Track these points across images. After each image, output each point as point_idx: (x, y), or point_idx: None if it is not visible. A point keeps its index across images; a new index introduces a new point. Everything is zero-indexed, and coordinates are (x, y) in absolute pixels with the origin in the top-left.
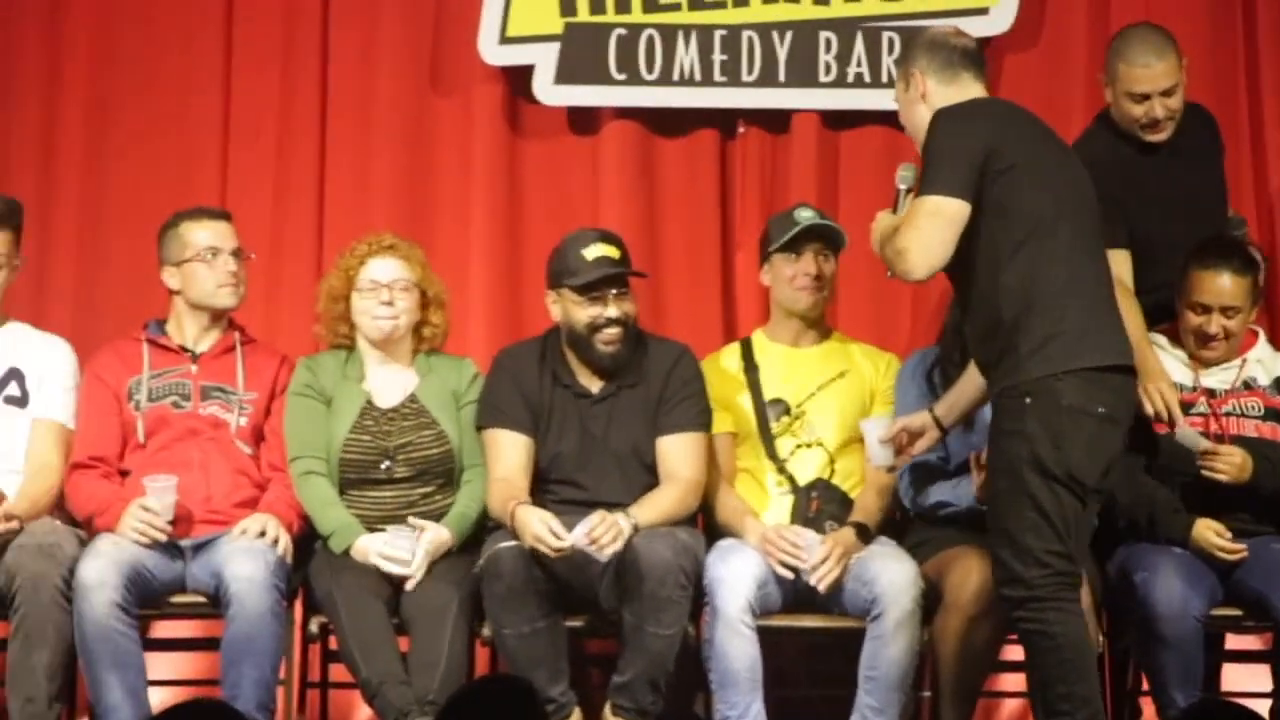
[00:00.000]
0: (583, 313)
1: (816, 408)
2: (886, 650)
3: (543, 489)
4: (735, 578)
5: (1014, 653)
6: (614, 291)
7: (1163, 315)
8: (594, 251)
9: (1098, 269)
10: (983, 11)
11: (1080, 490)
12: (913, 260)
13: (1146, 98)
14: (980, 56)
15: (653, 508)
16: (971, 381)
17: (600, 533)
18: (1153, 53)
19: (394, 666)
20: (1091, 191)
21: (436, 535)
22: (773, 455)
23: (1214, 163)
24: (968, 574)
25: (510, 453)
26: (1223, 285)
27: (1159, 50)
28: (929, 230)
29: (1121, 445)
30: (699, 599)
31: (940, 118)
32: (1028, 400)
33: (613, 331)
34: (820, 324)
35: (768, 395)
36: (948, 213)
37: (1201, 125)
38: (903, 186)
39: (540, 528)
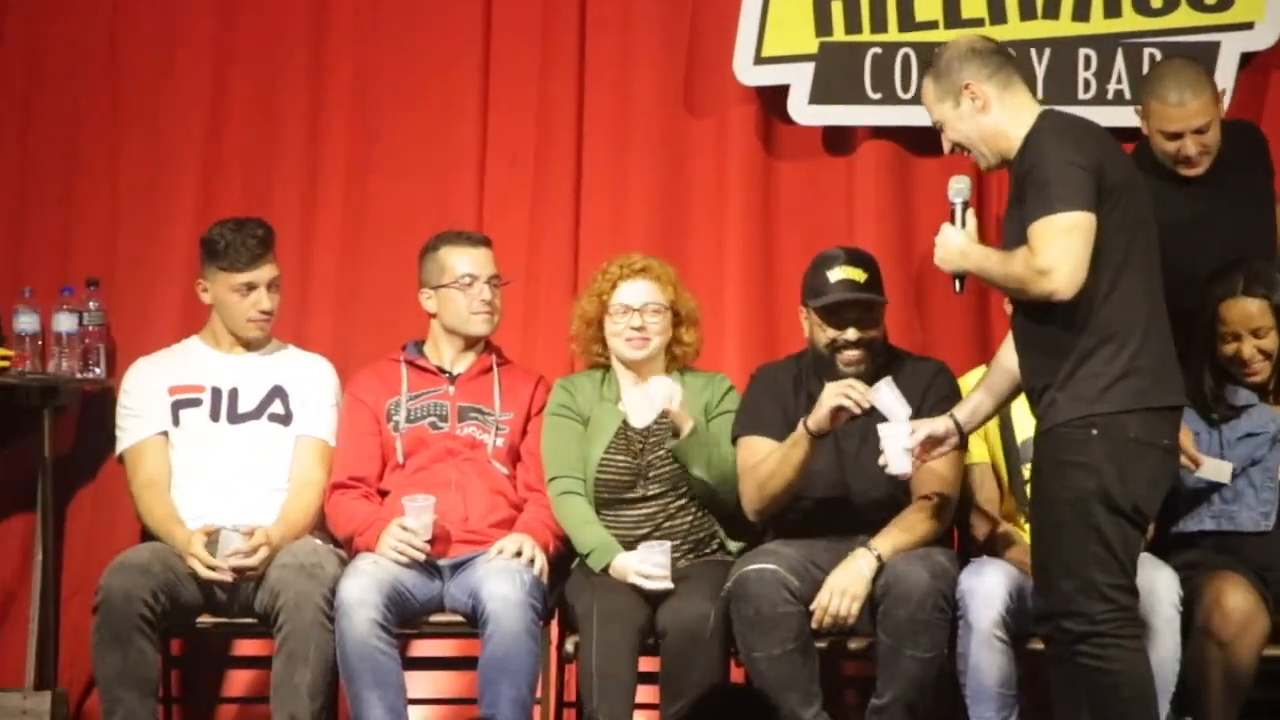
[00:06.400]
0: (823, 334)
1: None
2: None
3: (796, 506)
4: (988, 591)
5: None
6: (855, 315)
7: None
8: (838, 274)
9: (1162, 301)
10: (1247, 26)
11: (1143, 522)
12: (1064, 279)
13: (1179, 135)
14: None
15: (904, 531)
16: (994, 387)
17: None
18: (1187, 89)
19: (623, 709)
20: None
21: None
22: (1023, 501)
23: (1260, 198)
24: (1218, 598)
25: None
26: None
27: (1193, 87)
28: (1073, 245)
29: (1175, 475)
30: (954, 616)
31: (1046, 131)
32: (1094, 432)
33: (852, 354)
34: None
35: (1019, 435)
36: (1085, 226)
37: (1249, 150)
38: (959, 200)
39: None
